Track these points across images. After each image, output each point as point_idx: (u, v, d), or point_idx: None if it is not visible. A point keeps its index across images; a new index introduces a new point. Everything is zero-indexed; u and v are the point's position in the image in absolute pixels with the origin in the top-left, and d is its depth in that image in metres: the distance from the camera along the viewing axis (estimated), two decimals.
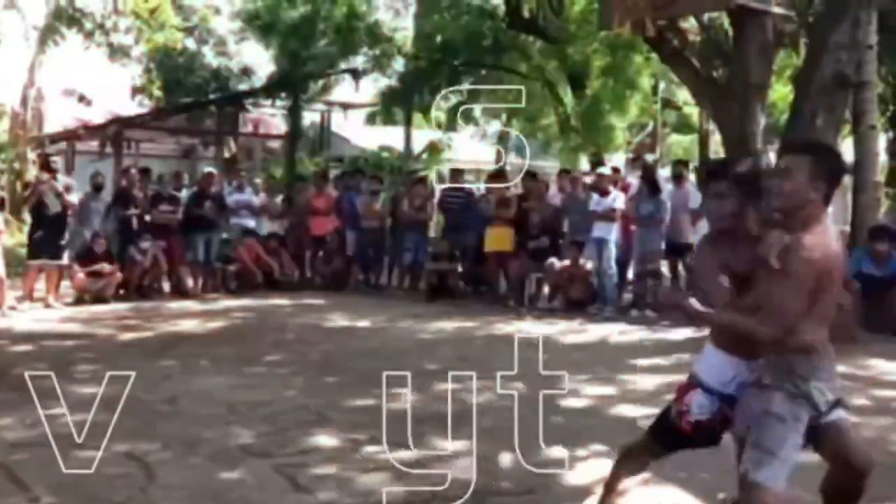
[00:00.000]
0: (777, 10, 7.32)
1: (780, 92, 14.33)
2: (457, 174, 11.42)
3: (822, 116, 6.88)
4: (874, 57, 11.55)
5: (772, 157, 7.34)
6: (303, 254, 11.58)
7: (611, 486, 3.37)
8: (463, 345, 7.24)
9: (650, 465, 3.39)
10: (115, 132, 16.37)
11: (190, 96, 20.01)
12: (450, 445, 4.27)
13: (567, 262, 9.39)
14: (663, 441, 3.16)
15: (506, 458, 4.13)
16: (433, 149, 22.49)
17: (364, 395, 5.32)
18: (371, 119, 27.88)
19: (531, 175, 10.40)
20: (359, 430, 4.52)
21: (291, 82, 17.33)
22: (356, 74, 17.82)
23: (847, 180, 13.88)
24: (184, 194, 10.86)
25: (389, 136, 23.74)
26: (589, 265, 9.29)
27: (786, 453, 2.66)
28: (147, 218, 10.28)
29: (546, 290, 9.79)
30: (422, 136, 24.65)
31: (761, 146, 6.99)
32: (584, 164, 16.63)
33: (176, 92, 21.54)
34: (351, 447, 4.26)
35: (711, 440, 3.09)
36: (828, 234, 2.72)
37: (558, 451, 4.24)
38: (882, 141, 13.81)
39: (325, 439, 4.39)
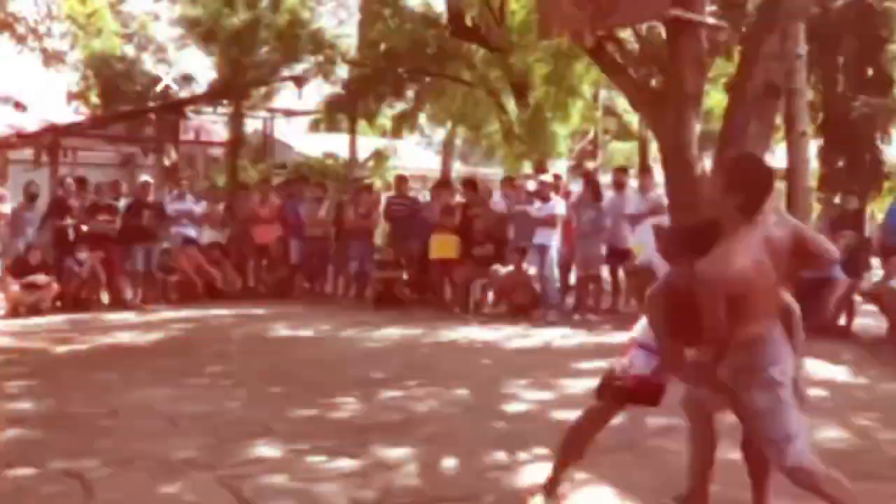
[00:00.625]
0: (710, 20, 7.50)
1: (716, 99, 14.71)
2: (401, 182, 11.43)
3: (754, 124, 7.05)
4: (803, 66, 11.99)
5: (707, 163, 7.52)
6: (245, 263, 11.46)
7: (555, 478, 3.49)
8: (408, 352, 7.25)
9: (583, 463, 3.53)
10: (51, 140, 15.93)
11: (129, 104, 19.65)
12: (395, 453, 4.28)
13: (511, 269, 9.48)
14: (611, 398, 3.37)
15: (450, 464, 4.16)
16: (378, 156, 22.47)
17: (308, 405, 5.30)
18: (315, 126, 27.69)
19: (472, 184, 10.49)
20: (303, 440, 4.50)
21: (233, 89, 17.09)
22: (299, 81, 17.66)
23: (780, 186, 14.34)
24: (122, 203, 10.66)
25: (334, 143, 23.64)
26: (532, 271, 9.39)
27: (794, 429, 2.91)
28: (85, 228, 10.07)
29: (491, 296, 9.87)
30: (367, 144, 24.62)
31: (696, 153, 7.13)
32: (528, 171, 16.79)
33: (115, 99, 21.13)
34: (295, 457, 4.24)
35: (653, 399, 3.30)
36: (739, 243, 2.91)
37: (501, 456, 4.30)
38: (813, 147, 14.29)
39: (269, 450, 4.35)
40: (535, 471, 4.05)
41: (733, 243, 2.91)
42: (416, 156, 24.58)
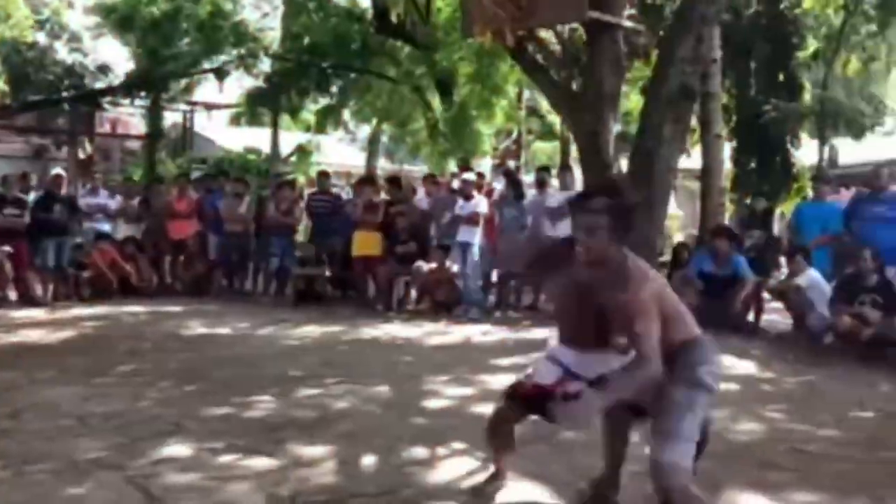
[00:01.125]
0: (628, 24, 7.69)
1: (635, 101, 15.05)
2: (323, 178, 11.32)
3: (668, 126, 7.26)
4: (718, 70, 12.38)
5: (623, 164, 7.71)
6: (162, 259, 11.17)
7: (498, 465, 3.61)
8: (328, 350, 7.19)
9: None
10: None
11: (41, 93, 18.95)
12: (311, 451, 4.24)
13: (434, 266, 9.50)
14: (514, 401, 3.43)
15: (368, 461, 4.14)
16: (301, 152, 22.23)
17: (223, 404, 5.19)
18: (237, 120, 27.24)
19: (395, 181, 10.47)
20: (216, 439, 4.40)
21: (151, 81, 16.68)
22: (220, 74, 17.36)
23: (695, 186, 14.75)
24: (31, 197, 10.27)
25: (256, 138, 23.29)
26: (455, 268, 9.43)
27: (688, 434, 2.98)
28: None
29: (413, 293, 9.87)
30: (290, 139, 24.31)
31: (613, 153, 7.30)
32: (453, 169, 16.88)
33: (25, 88, 20.32)
34: (207, 456, 4.15)
35: (542, 409, 3.28)
36: (636, 261, 3.07)
37: (420, 451, 4.30)
38: (727, 149, 14.75)
39: (181, 449, 4.25)
40: (453, 465, 4.08)
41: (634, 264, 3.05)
42: (341, 152, 24.45)
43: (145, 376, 5.98)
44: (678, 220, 17.30)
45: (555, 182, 9.74)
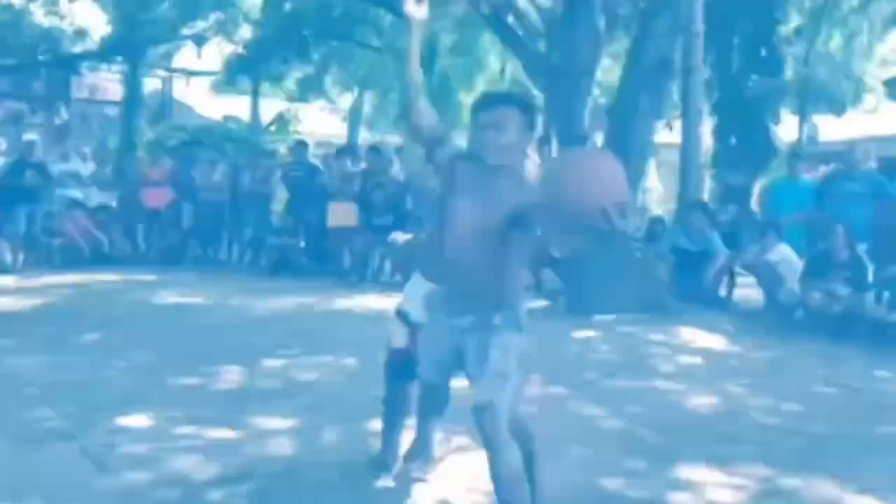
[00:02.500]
0: None
1: (618, 74, 14.95)
2: (300, 147, 11.20)
3: (645, 98, 7.22)
4: (700, 44, 12.30)
5: (598, 139, 7.66)
6: (135, 227, 11.06)
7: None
8: (299, 320, 7.14)
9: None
10: None
11: (16, 58, 18.59)
12: (271, 422, 4.21)
13: (410, 238, 9.44)
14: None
15: (328, 432, 4.12)
16: (281, 120, 22.02)
17: (188, 374, 5.15)
18: (219, 88, 26.90)
19: (375, 150, 10.37)
20: (176, 409, 4.37)
21: (128, 46, 16.39)
22: (199, 40, 17.09)
23: (677, 160, 14.75)
24: (2, 163, 10.11)
25: (237, 106, 23.02)
26: None
27: (516, 380, 2.88)
28: None
29: (388, 265, 9.82)
30: (271, 107, 24.06)
31: (588, 126, 7.25)
32: None
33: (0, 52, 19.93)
34: (166, 426, 4.11)
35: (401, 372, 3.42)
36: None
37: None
38: (708, 125, 14.73)
39: (140, 419, 4.21)
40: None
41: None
42: (322, 121, 24.22)
43: (112, 346, 5.92)
44: (657, 194, 17.31)
45: (534, 156, 9.64)
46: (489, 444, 2.78)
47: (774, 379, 5.46)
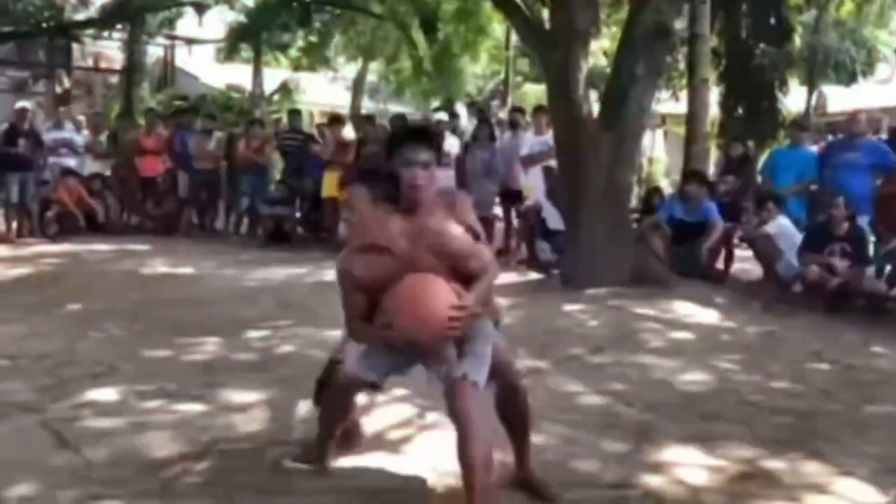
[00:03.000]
0: None
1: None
2: (295, 116, 11.03)
3: (642, 66, 7.01)
4: (707, 12, 12.01)
5: (594, 103, 7.44)
6: (130, 196, 10.96)
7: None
8: (287, 292, 7.04)
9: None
10: None
11: (19, 25, 18.41)
12: (243, 396, 4.11)
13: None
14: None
15: (301, 407, 4.01)
16: (285, 90, 21.81)
17: (165, 346, 5.06)
18: (224, 57, 26.68)
19: (369, 119, 10.19)
20: (148, 382, 4.28)
21: (127, 13, 16.19)
22: (199, 7, 16.86)
23: (683, 131, 14.48)
24: None
25: (241, 76, 22.78)
26: None
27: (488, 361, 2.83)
28: None
29: None
30: (275, 77, 23.81)
31: (583, 93, 7.05)
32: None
33: (2, 19, 19.74)
34: (134, 400, 4.02)
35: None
36: None
37: (357, 398, 4.17)
38: (714, 94, 14.45)
39: (109, 392, 4.12)
40: (388, 413, 3.96)
41: None
42: (326, 91, 23.97)
43: (92, 316, 5.84)
44: (662, 165, 17.07)
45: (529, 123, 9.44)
46: (460, 421, 2.67)
47: (766, 355, 5.30)
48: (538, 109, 8.77)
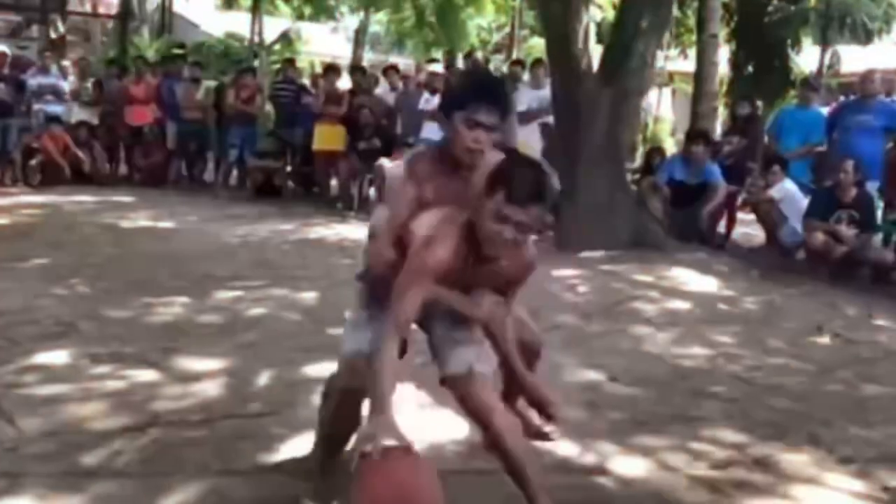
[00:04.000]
0: None
1: None
2: (288, 65, 10.65)
3: (646, 19, 6.63)
4: None
5: (594, 58, 7.05)
6: (117, 146, 10.65)
7: None
8: (267, 249, 6.77)
9: None
10: None
11: None
12: (201, 363, 3.86)
13: (398, 164, 8.97)
14: None
15: (261, 376, 3.76)
16: (286, 39, 21.31)
17: (129, 305, 4.80)
18: (228, 4, 26.13)
19: (360, 70, 9.81)
20: (104, 345, 4.03)
21: None
22: None
23: (687, 89, 14.05)
24: None
25: (242, 24, 22.24)
26: None
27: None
28: None
29: (373, 192, 9.38)
30: (277, 26, 23.26)
31: (583, 46, 6.68)
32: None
33: None
34: (85, 365, 3.77)
35: None
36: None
37: (323, 367, 3.91)
38: (725, 52, 13.99)
39: (60, 355, 3.87)
40: None
41: None
42: (328, 42, 23.43)
43: (59, 270, 5.58)
44: (668, 124, 16.64)
45: (525, 77, 9.05)
46: (477, 416, 2.40)
47: (764, 327, 5.04)
48: (536, 62, 8.39)
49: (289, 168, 10.06)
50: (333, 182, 9.78)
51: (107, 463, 2.82)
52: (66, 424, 3.11)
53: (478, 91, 2.51)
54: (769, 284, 6.12)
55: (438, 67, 9.23)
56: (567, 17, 6.52)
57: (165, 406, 3.34)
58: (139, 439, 3.01)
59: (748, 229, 8.05)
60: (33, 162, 9.81)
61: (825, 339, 4.83)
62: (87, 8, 24.34)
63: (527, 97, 8.36)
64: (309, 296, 5.30)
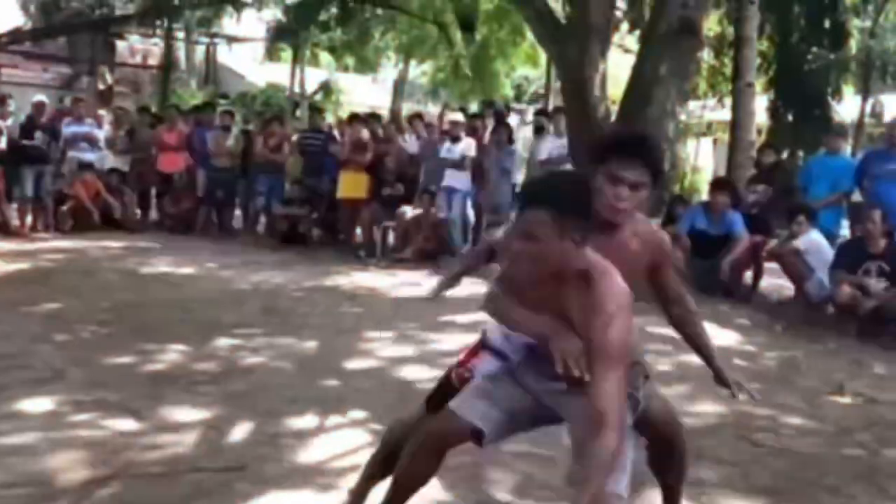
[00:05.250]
0: None
1: None
2: (316, 115, 10.74)
3: (666, 64, 6.51)
4: (756, 13, 11.39)
5: (612, 107, 6.95)
6: (148, 193, 10.80)
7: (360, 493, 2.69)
8: (278, 296, 6.70)
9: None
10: None
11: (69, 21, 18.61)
12: (183, 413, 3.76)
13: (419, 212, 8.93)
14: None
15: (240, 428, 3.65)
16: (326, 89, 21.68)
17: (127, 351, 4.75)
18: (267, 55, 26.75)
19: (373, 117, 9.85)
20: (90, 392, 3.97)
21: (162, 9, 16.15)
22: (237, 5, 16.74)
23: (724, 138, 13.82)
24: (10, 123, 9.89)
25: (284, 75, 22.71)
26: (441, 215, 8.84)
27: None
28: None
29: (394, 239, 9.32)
30: (319, 77, 23.72)
31: (599, 93, 6.57)
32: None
33: (55, 15, 20.00)
34: (67, 412, 3.71)
35: None
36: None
37: (307, 420, 3.80)
38: (763, 100, 13.76)
39: (44, 402, 3.81)
40: (335, 439, 3.59)
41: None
42: (367, 92, 23.78)
43: (66, 315, 5.58)
44: (708, 173, 16.37)
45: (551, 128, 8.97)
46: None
47: (782, 384, 4.78)
48: (557, 110, 8.29)
49: (315, 215, 10.06)
50: (359, 230, 9.74)
51: None
52: (30, 476, 3.03)
53: (619, 145, 2.39)
54: (792, 339, 5.85)
55: (459, 116, 9.20)
56: (582, 63, 6.43)
57: (135, 457, 3.25)
58: (100, 492, 2.91)
59: (780, 280, 7.76)
60: (65, 208, 9.96)
61: (846, 399, 4.56)
62: (138, 59, 25.15)
63: (549, 145, 8.27)
64: (308, 345, 5.20)
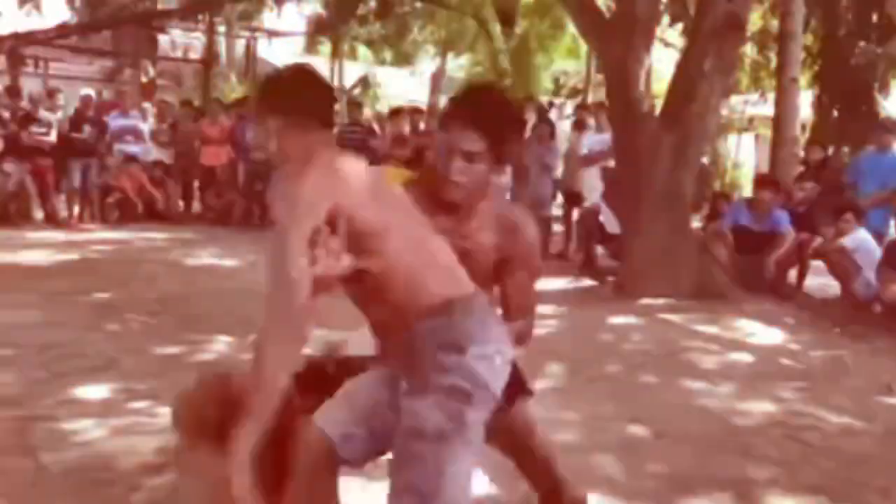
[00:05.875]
0: None
1: None
2: (354, 108, 10.80)
3: (711, 59, 6.44)
4: (801, 7, 11.22)
5: (655, 105, 6.89)
6: (191, 185, 10.96)
7: None
8: None
9: None
10: (11, 48, 15.20)
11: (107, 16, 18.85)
12: None
13: None
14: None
15: None
16: (365, 84, 21.74)
17: (177, 342, 4.84)
18: (306, 49, 26.89)
19: (420, 111, 9.86)
20: (142, 381, 4.06)
21: (206, 5, 16.33)
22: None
23: (767, 134, 13.62)
24: (59, 116, 10.10)
25: (324, 69, 22.84)
26: None
27: (453, 489, 1.76)
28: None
29: None
30: (358, 71, 23.77)
31: (644, 89, 6.52)
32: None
33: (100, 9, 20.25)
34: (119, 401, 3.80)
35: None
36: None
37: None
38: (808, 96, 13.54)
39: (99, 390, 3.91)
40: None
41: None
42: (406, 86, 23.80)
43: (115, 306, 5.70)
44: (750, 169, 16.16)
45: (591, 122, 8.94)
46: None
47: (829, 384, 4.72)
48: (599, 105, 8.26)
49: None
50: None
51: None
52: (85, 461, 3.11)
53: (454, 108, 2.13)
54: (839, 338, 5.77)
55: None
56: (626, 59, 6.39)
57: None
58: (154, 479, 2.98)
59: (826, 279, 7.65)
60: (110, 200, 10.15)
61: (894, 400, 4.49)
62: (179, 53, 25.42)
63: (590, 141, 8.23)
64: (341, 338, 5.24)
